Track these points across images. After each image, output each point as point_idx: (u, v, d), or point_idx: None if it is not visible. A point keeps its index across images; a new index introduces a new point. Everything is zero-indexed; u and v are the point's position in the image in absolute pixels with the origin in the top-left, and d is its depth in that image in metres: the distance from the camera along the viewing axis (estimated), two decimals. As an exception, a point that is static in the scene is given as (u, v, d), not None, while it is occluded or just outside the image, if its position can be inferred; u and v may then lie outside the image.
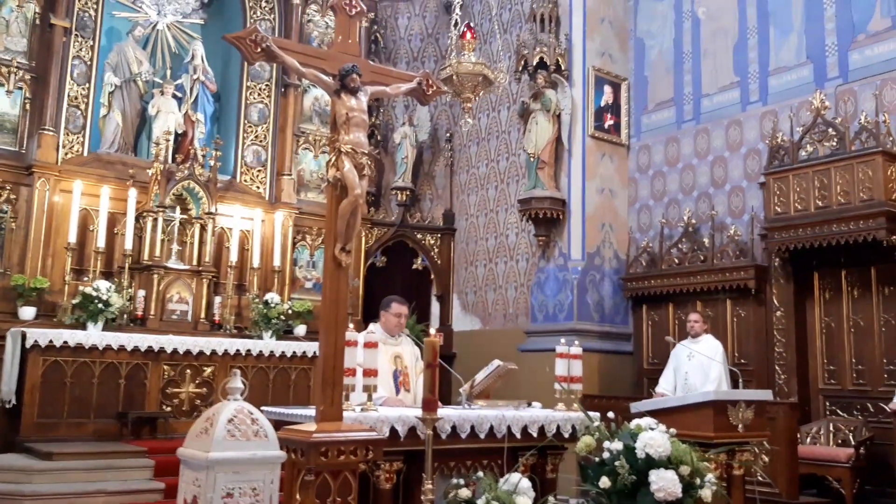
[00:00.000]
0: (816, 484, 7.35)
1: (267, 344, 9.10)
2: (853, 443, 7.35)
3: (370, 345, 4.46)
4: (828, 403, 8.08)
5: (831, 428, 7.72)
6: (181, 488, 2.06)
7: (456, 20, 5.39)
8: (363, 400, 4.40)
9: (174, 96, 10.12)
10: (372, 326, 5.37)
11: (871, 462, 7.28)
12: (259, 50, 3.56)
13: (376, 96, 4.02)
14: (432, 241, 11.67)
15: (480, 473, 4.60)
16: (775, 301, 8.24)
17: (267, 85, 10.77)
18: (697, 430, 5.18)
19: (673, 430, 4.64)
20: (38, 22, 8.90)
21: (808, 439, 7.68)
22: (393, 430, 4.30)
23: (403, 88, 4.04)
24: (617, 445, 4.52)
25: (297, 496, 3.47)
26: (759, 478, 6.29)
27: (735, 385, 6.56)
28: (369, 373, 4.42)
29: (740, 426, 5.42)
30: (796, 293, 8.20)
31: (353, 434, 3.52)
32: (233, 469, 2.04)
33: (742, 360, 8.33)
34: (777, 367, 8.12)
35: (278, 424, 4.51)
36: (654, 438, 4.48)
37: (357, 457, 3.48)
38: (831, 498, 7.15)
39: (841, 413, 7.92)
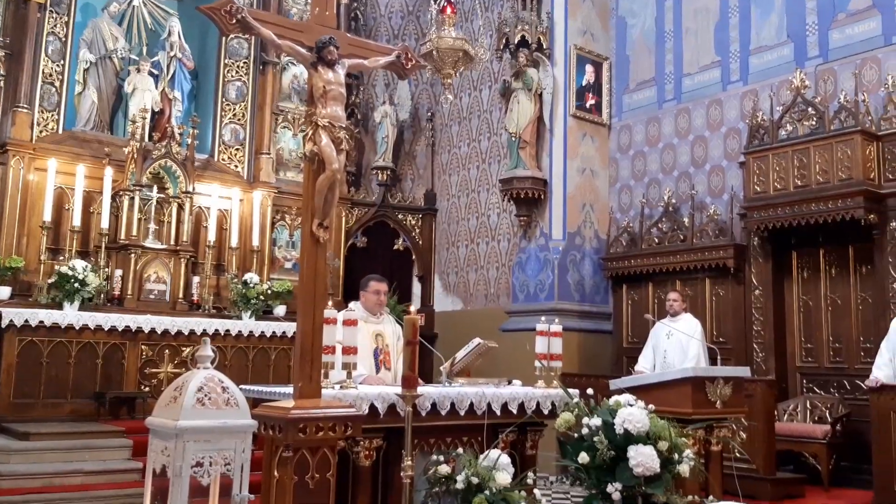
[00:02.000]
0: (793, 460, 7.43)
1: (246, 324, 9.04)
2: (830, 419, 7.44)
3: (349, 322, 4.43)
4: (805, 381, 8.17)
5: (808, 405, 7.80)
6: (150, 458, 2.03)
7: (436, -5, 5.36)
8: (342, 377, 4.37)
9: (151, 74, 9.94)
10: (352, 305, 5.33)
11: (847, 438, 7.37)
12: (234, 21, 3.48)
13: (354, 69, 3.96)
14: (413, 222, 11.63)
15: (460, 450, 4.63)
16: (754, 280, 8.29)
17: (245, 62, 10.62)
18: (676, 407, 5.21)
19: (652, 407, 4.67)
20: (11, -2, 8.71)
21: (786, 416, 7.77)
22: (372, 408, 4.28)
23: (382, 62, 3.98)
24: (596, 421, 4.54)
25: (276, 472, 3.45)
26: (737, 454, 6.34)
27: (714, 363, 6.60)
28: (348, 350, 4.39)
29: (718, 402, 5.45)
30: (775, 272, 8.25)
31: (331, 410, 3.49)
32: (203, 437, 2.00)
33: (720, 339, 8.39)
34: (755, 346, 8.19)
35: (256, 402, 4.48)
36: (632, 414, 4.50)
37: (336, 433, 3.46)
38: (807, 474, 7.24)
39: (818, 390, 8.01)
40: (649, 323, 7.83)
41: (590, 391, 4.81)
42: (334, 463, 3.55)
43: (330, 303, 4.31)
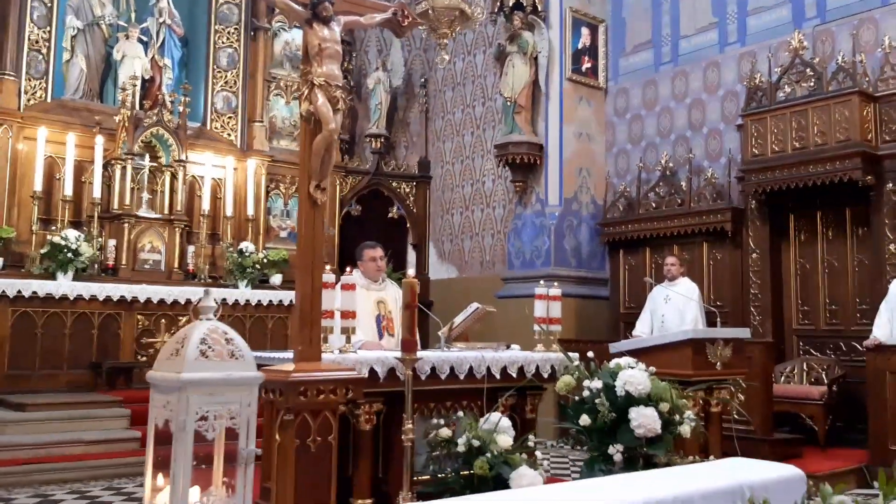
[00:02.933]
0: (790, 421, 7.46)
1: (242, 293, 9.00)
2: (826, 381, 7.46)
3: (347, 287, 4.39)
4: (801, 343, 8.18)
5: (805, 367, 7.82)
6: (151, 414, 1.98)
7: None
8: (342, 342, 4.34)
9: (140, 40, 9.78)
10: (353, 273, 5.28)
11: (842, 399, 7.40)
12: (226, -23, 3.39)
13: (350, 27, 3.87)
14: (407, 190, 11.54)
15: (461, 414, 4.61)
16: (751, 243, 8.26)
17: (236, 28, 10.45)
18: (676, 369, 5.20)
19: (652, 369, 4.66)
20: (-6, -39, 8.52)
21: (783, 378, 7.79)
22: (372, 372, 4.25)
23: (378, 19, 3.89)
24: (597, 384, 4.53)
25: (277, 436, 3.43)
26: (735, 415, 6.37)
27: (713, 325, 6.59)
28: (347, 315, 4.35)
29: (718, 364, 5.45)
30: (772, 235, 8.22)
31: (332, 373, 3.47)
32: (207, 391, 1.95)
33: (718, 303, 8.38)
34: (752, 309, 8.18)
35: (257, 367, 4.46)
36: (633, 376, 4.49)
37: (337, 396, 3.44)
38: (804, 434, 7.27)
39: (814, 352, 8.03)
40: (648, 286, 7.81)
41: (590, 354, 4.80)
42: (335, 426, 3.53)
43: (328, 267, 4.26)
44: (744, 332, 5.98)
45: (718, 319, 6.22)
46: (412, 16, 3.95)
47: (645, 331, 7.76)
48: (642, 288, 8.51)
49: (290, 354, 4.14)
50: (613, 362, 4.76)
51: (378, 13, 3.88)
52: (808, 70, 7.70)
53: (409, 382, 3.90)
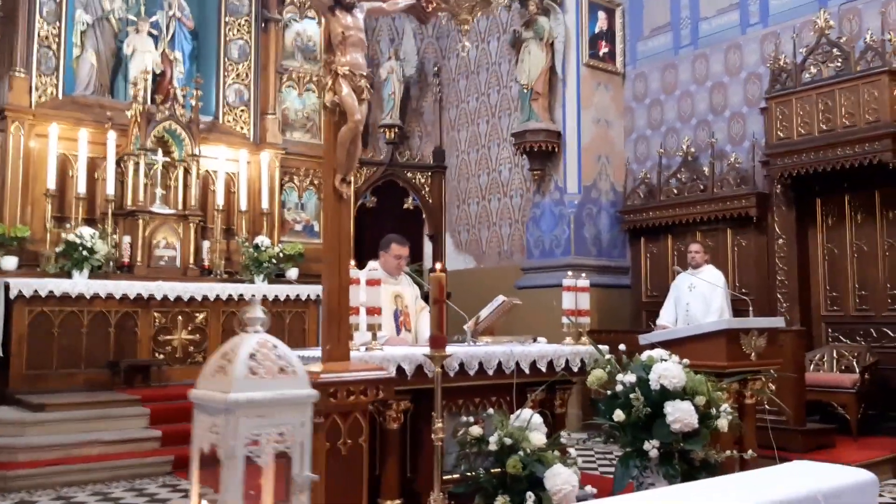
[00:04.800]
0: (821, 410, 7.31)
1: (259, 288, 8.88)
2: (857, 369, 7.30)
3: (373, 282, 4.27)
4: (830, 330, 8.01)
5: (835, 354, 7.66)
6: (195, 437, 1.83)
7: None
8: (367, 339, 4.22)
9: (150, 34, 9.66)
10: (372, 264, 5.16)
11: (875, 387, 7.24)
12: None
13: (373, 13, 3.73)
14: (423, 180, 11.38)
15: (490, 411, 4.49)
16: (777, 229, 8.09)
17: (246, 20, 10.32)
18: (710, 360, 5.05)
19: (686, 361, 4.53)
20: (1, -43, 8.41)
21: (812, 366, 7.63)
22: (399, 369, 4.13)
23: (402, 5, 3.74)
24: (630, 378, 4.41)
25: (306, 440, 3.31)
26: (766, 406, 6.21)
27: (742, 314, 6.44)
28: (373, 311, 4.23)
29: (753, 354, 5.29)
30: (798, 220, 8.05)
31: (362, 373, 3.34)
32: (257, 412, 1.81)
33: (744, 290, 8.20)
34: (779, 296, 8.02)
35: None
36: (668, 369, 4.36)
37: (367, 397, 3.31)
38: (836, 423, 7.12)
39: (844, 339, 7.86)
40: (674, 274, 7.64)
41: (622, 347, 4.66)
42: (367, 428, 3.41)
43: (352, 262, 4.14)
44: (778, 322, 5.83)
45: (750, 308, 6.06)
46: (436, 1, 3.81)
47: (669, 320, 7.61)
48: (665, 276, 8.35)
49: (313, 352, 4.03)
50: (645, 355, 4.63)
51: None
52: (834, 50, 7.50)
53: (439, 380, 3.78)
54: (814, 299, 8.05)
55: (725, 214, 8.41)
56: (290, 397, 1.91)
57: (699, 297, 7.35)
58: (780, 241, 8.05)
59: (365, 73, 3.45)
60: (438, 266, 3.98)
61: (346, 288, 3.43)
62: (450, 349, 4.28)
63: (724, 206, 8.39)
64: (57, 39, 8.87)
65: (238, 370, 1.84)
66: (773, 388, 6.03)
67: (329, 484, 3.22)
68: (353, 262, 4.12)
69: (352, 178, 3.49)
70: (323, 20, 3.45)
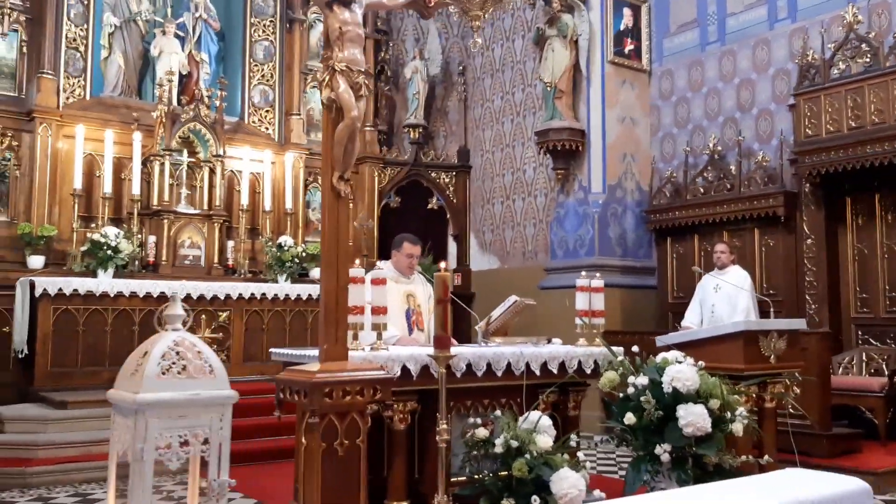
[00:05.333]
0: (849, 414, 7.11)
1: (282, 287, 8.92)
2: (886, 372, 7.09)
3: (378, 282, 4.23)
4: (860, 332, 7.79)
5: (864, 357, 7.45)
6: (112, 440, 1.80)
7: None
8: (373, 339, 4.18)
9: (176, 36, 9.77)
10: (381, 264, 5.13)
11: (905, 392, 7.02)
12: (242, -40, 3.23)
13: (373, 9, 3.70)
14: (447, 180, 11.34)
15: (498, 412, 4.43)
16: (805, 228, 7.89)
17: (271, 21, 10.40)
18: (727, 363, 4.93)
19: (701, 363, 4.43)
20: (30, -39, 8.54)
21: (840, 369, 7.43)
22: (405, 370, 4.09)
23: (402, 0, 3.70)
24: (642, 380, 4.31)
25: (303, 440, 3.29)
26: (791, 410, 6.05)
27: (766, 315, 6.29)
28: (378, 310, 4.19)
29: (772, 357, 5.16)
30: (827, 220, 7.84)
31: (358, 373, 3.30)
32: (168, 413, 1.77)
33: (771, 291, 8.03)
34: (808, 297, 7.82)
35: (287, 365, 4.33)
36: (681, 372, 4.26)
37: (364, 397, 3.27)
38: (864, 428, 6.92)
39: (874, 342, 7.64)
40: (696, 276, 7.50)
41: (635, 348, 4.56)
42: (364, 429, 3.37)
43: (357, 261, 4.11)
44: (799, 324, 5.67)
45: (772, 310, 5.91)
46: (439, -4, 3.76)
47: (694, 321, 7.46)
48: (691, 277, 8.20)
49: (314, 351, 4.00)
50: (660, 357, 4.53)
51: (403, -6, 3.70)
52: (863, 45, 7.30)
53: (443, 381, 3.72)
54: (843, 300, 7.84)
55: (753, 214, 8.23)
56: (205, 398, 1.86)
57: (725, 298, 7.20)
58: (809, 241, 7.85)
59: (363, 70, 3.41)
60: (443, 265, 3.92)
61: (344, 287, 3.40)
62: (456, 349, 4.23)
63: (752, 206, 8.21)
64: (85, 41, 9.01)
65: (150, 369, 1.80)
66: (798, 391, 5.86)
67: (325, 484, 3.19)
68: (357, 262, 4.10)
69: (350, 176, 3.44)
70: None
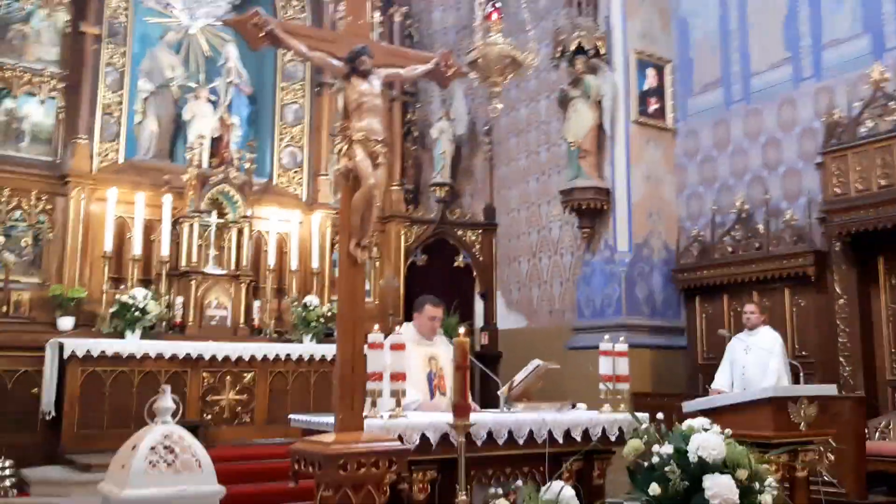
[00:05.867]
0: (886, 481, 6.84)
1: (307, 348, 8.92)
2: (927, 437, 6.84)
3: (397, 347, 4.19)
4: (897, 396, 7.55)
5: (902, 422, 7.20)
6: None
7: (480, 1, 5.11)
8: (392, 405, 4.13)
9: (209, 101, 10.02)
10: (404, 327, 5.10)
11: (947, 458, 6.75)
12: (262, 35, 3.32)
13: (390, 80, 3.75)
14: (473, 238, 11.36)
15: (520, 482, 4.33)
16: (837, 288, 7.73)
17: (301, 85, 10.64)
18: (756, 430, 4.79)
19: (728, 431, 4.29)
20: (68, 30, 8.87)
21: (877, 434, 7.17)
22: (424, 438, 4.02)
23: (420, 70, 3.75)
24: (667, 449, 4.18)
25: (318, 513, 3.23)
26: (824, 478, 5.85)
27: (796, 379, 6.14)
28: (397, 377, 4.15)
29: (803, 424, 5.00)
30: (859, 279, 7.68)
31: (374, 444, 3.25)
32: None
33: (803, 352, 7.85)
34: (841, 359, 7.62)
35: (306, 433, 4.29)
36: (707, 440, 4.13)
37: (379, 469, 3.22)
38: (904, 496, 6.66)
39: (913, 405, 7.39)
40: (725, 339, 7.36)
41: (660, 415, 4.45)
42: (380, 501, 3.30)
43: (376, 326, 4.10)
44: (829, 389, 5.51)
45: (801, 374, 5.77)
46: (456, 65, 3.81)
47: (724, 384, 7.30)
48: (721, 337, 8.05)
49: (330, 419, 3.96)
50: (685, 424, 4.41)
51: (420, 65, 3.75)
52: (890, 103, 7.24)
53: (462, 450, 3.65)
54: (878, 362, 7.61)
55: (782, 273, 8.09)
56: (191, 494, 1.82)
57: (755, 359, 7.05)
58: (841, 301, 7.68)
59: (381, 139, 3.45)
60: (462, 330, 3.89)
61: (360, 355, 3.38)
62: (476, 417, 4.16)
63: (781, 265, 8.08)
64: (119, 107, 9.28)
65: (136, 465, 1.79)
66: (832, 458, 5.67)
67: (340, 560, 3.12)
68: (376, 327, 4.08)
69: (368, 243, 3.45)
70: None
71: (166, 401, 1.94)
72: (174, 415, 1.98)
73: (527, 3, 10.60)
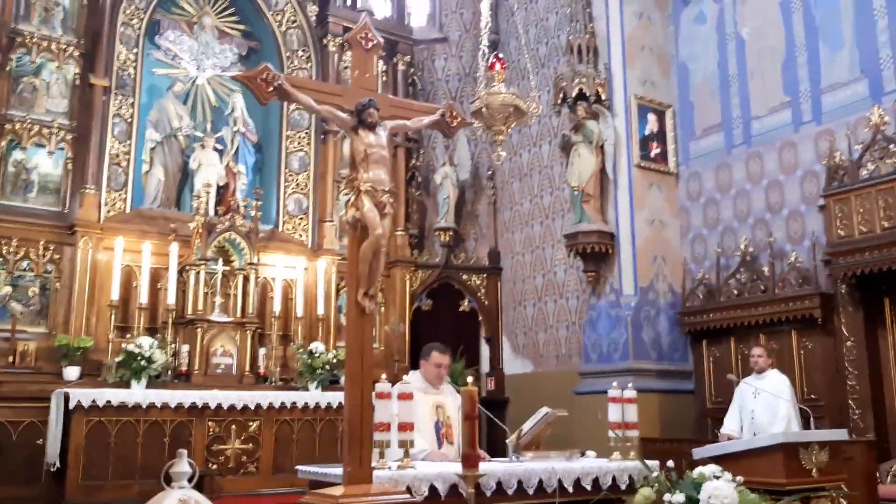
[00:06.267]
0: (903, 527, 6.74)
1: (312, 395, 8.86)
2: (940, 481, 6.75)
3: (405, 396, 4.18)
4: (908, 438, 7.47)
5: (914, 465, 7.11)
6: None
7: (483, 51, 5.21)
8: (400, 456, 4.11)
9: (215, 149, 10.12)
10: (410, 375, 5.08)
11: (962, 502, 6.66)
12: (271, 89, 3.38)
13: (397, 131, 3.81)
14: (478, 282, 11.38)
15: (530, 533, 4.28)
16: (844, 330, 7.71)
17: (306, 133, 10.75)
18: (768, 477, 4.75)
19: (740, 478, 4.25)
20: (77, 82, 9.01)
21: (889, 478, 7.07)
22: (433, 489, 3.99)
23: (426, 121, 3.81)
24: (679, 498, 4.15)
25: (326, 567, 3.19)
26: (839, 524, 5.77)
27: (806, 424, 6.09)
28: (405, 427, 4.13)
29: (814, 470, 4.96)
30: (866, 321, 7.66)
31: (383, 497, 3.23)
32: None
33: (812, 395, 7.80)
34: (850, 401, 7.56)
35: (314, 485, 4.26)
36: (719, 489, 4.10)
37: (389, 522, 3.19)
38: (920, 542, 6.54)
39: (925, 448, 7.31)
40: (733, 383, 7.32)
41: (670, 463, 4.42)
42: (389, 554, 3.27)
43: (384, 375, 4.09)
44: (840, 434, 5.46)
45: (812, 418, 5.72)
46: (461, 116, 3.87)
47: (734, 428, 7.25)
48: (729, 381, 8.01)
49: (339, 470, 3.93)
50: (696, 472, 4.37)
51: (426, 116, 3.81)
52: (891, 146, 7.31)
53: (472, 501, 3.63)
54: (888, 404, 7.55)
55: (789, 316, 8.07)
56: None
57: (764, 404, 7.01)
58: (849, 343, 7.66)
59: (388, 189, 3.49)
60: (470, 380, 3.88)
61: (368, 405, 3.37)
62: (485, 467, 4.13)
63: (787, 308, 8.07)
64: (127, 157, 9.36)
65: None
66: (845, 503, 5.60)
67: None
68: (384, 376, 4.07)
69: (376, 292, 3.47)
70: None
71: (182, 465, 1.93)
72: (190, 479, 1.96)
73: (528, 52, 10.82)
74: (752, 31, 9.17)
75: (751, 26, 9.18)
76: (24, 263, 8.42)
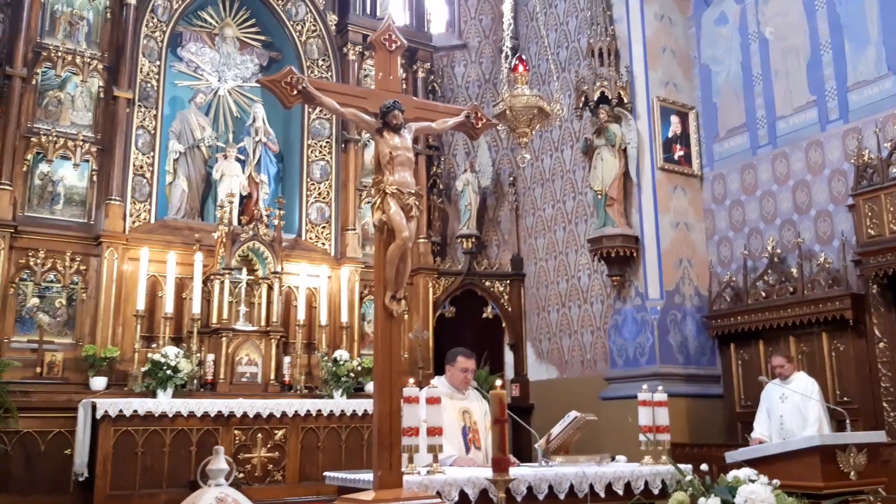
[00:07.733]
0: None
1: (337, 403, 8.85)
2: (981, 484, 6.58)
3: (433, 400, 4.14)
4: (946, 441, 7.31)
5: (954, 468, 6.94)
6: None
7: (507, 53, 5.17)
8: (429, 461, 4.07)
9: (237, 159, 10.19)
10: (436, 380, 5.04)
11: None
12: (295, 93, 3.37)
13: (422, 133, 3.78)
14: (501, 288, 11.32)
15: (562, 538, 4.21)
16: (876, 331, 7.57)
17: (328, 142, 10.77)
18: (804, 481, 4.65)
19: (776, 482, 4.17)
20: (101, 95, 9.10)
21: (928, 482, 6.93)
22: (463, 494, 3.94)
23: (450, 123, 3.78)
24: (714, 502, 4.08)
25: (357, 573, 3.16)
26: (878, 529, 5.64)
27: (842, 426, 5.96)
28: (434, 431, 4.08)
29: (853, 473, 4.85)
30: (899, 321, 7.52)
31: (413, 502, 3.19)
32: None
33: (844, 398, 7.66)
34: (885, 404, 7.42)
35: (343, 491, 4.23)
36: (755, 492, 4.03)
37: (420, 527, 3.15)
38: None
39: (963, 451, 7.14)
40: (763, 384, 7.19)
41: (704, 466, 4.34)
42: (420, 560, 3.23)
43: (412, 380, 4.06)
44: (879, 436, 5.34)
45: (847, 421, 5.60)
46: (486, 117, 3.84)
47: (763, 432, 7.12)
48: (758, 384, 7.88)
49: (369, 476, 3.90)
50: (731, 475, 4.30)
51: (450, 117, 3.78)
52: (921, 142, 7.19)
53: (502, 506, 3.57)
54: (924, 407, 7.41)
55: (819, 317, 7.94)
56: None
57: (793, 407, 6.89)
58: (882, 344, 7.52)
59: (413, 191, 3.46)
60: (499, 383, 3.84)
61: (397, 411, 3.34)
62: (516, 471, 4.08)
63: (817, 309, 7.93)
64: (151, 168, 9.43)
65: None
66: (884, 508, 5.47)
67: None
68: (411, 381, 4.04)
69: (403, 296, 3.43)
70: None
71: (220, 462, 1.90)
72: (227, 476, 1.93)
73: (550, 55, 10.78)
74: (775, 31, 9.07)
75: (774, 25, 9.08)
76: (51, 275, 8.48)
